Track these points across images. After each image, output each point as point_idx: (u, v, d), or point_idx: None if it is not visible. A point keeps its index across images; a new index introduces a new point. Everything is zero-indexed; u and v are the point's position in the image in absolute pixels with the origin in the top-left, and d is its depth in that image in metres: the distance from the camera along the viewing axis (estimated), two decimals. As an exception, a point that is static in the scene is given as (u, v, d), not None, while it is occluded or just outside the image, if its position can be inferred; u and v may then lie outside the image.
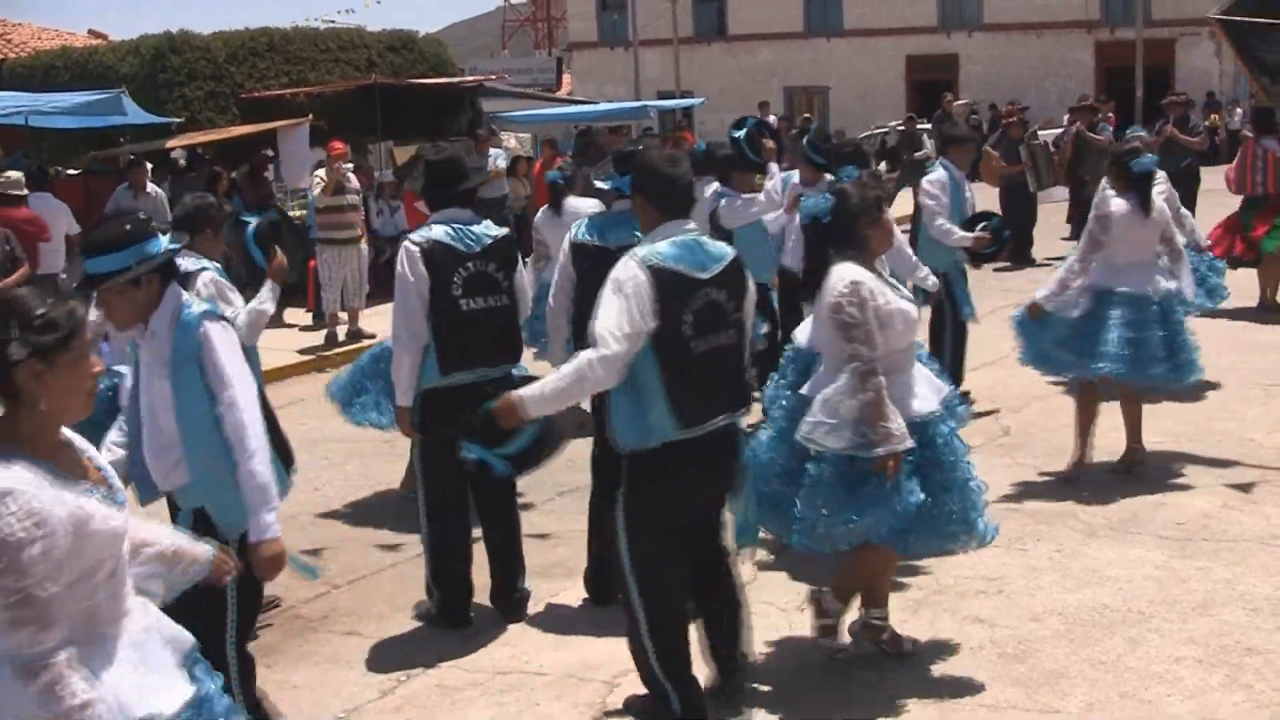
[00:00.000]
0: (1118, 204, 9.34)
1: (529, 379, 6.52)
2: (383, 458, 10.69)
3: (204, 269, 7.51)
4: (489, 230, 7.39)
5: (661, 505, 5.78)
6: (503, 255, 7.36)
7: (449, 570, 7.54)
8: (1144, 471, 9.40)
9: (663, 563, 5.83)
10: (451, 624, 7.50)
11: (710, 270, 5.68)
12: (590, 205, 10.96)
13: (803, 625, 6.87)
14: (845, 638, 6.73)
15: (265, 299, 7.98)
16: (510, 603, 7.64)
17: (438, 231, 7.26)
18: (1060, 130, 22.38)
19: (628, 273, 5.58)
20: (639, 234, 6.12)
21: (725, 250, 5.85)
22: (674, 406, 5.56)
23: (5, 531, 3.33)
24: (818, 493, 6.09)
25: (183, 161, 22.81)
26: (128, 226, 5.23)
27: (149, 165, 19.32)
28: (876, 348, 6.09)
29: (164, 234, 5.43)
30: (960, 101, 34.06)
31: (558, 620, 7.50)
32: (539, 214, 11.58)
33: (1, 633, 3.39)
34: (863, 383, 6.00)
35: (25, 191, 14.19)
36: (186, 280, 6.95)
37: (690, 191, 6.01)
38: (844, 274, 6.19)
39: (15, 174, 14.44)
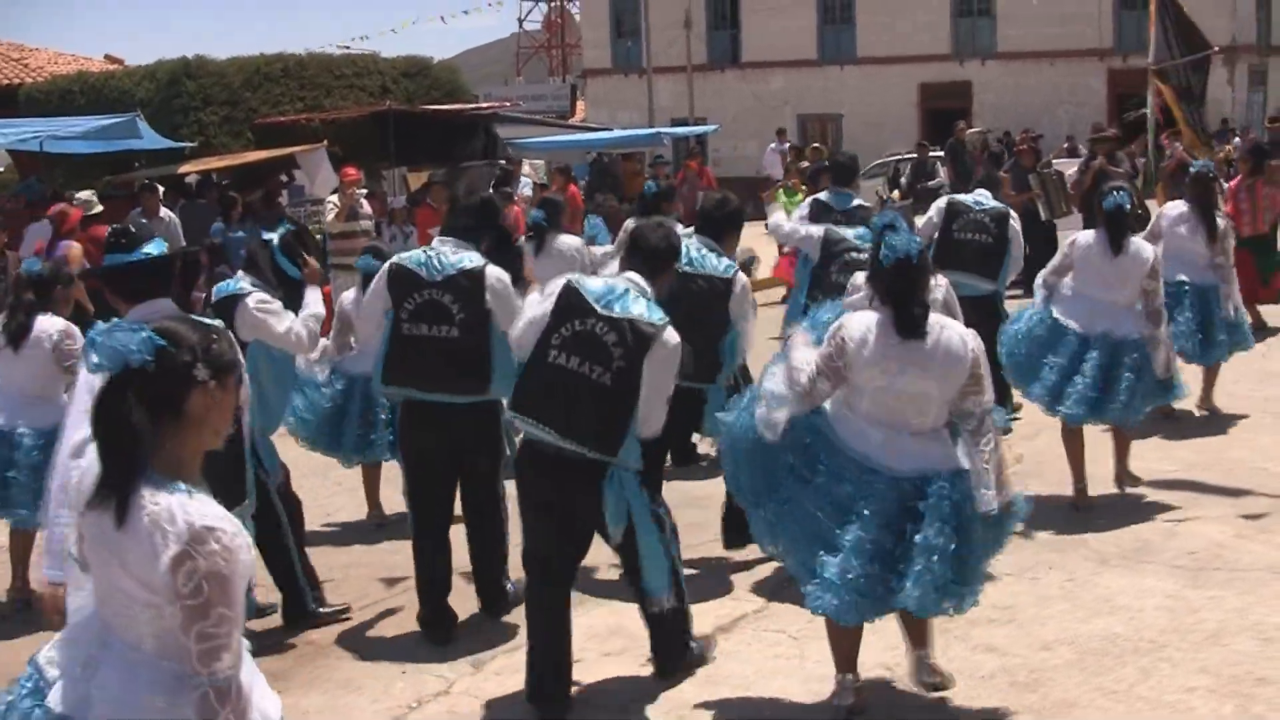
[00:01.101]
0: (1085, 235, 9.50)
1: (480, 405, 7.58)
2: (393, 483, 10.68)
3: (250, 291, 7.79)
4: (460, 262, 7.55)
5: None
6: (461, 289, 7.51)
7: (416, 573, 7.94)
8: (1155, 500, 9.38)
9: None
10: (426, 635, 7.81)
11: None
12: (574, 242, 10.99)
13: (815, 654, 6.86)
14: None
15: (313, 303, 8.09)
16: (491, 603, 8.04)
17: (416, 255, 7.72)
18: (1081, 160, 22.40)
19: None
20: None
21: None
22: None
23: (219, 568, 3.46)
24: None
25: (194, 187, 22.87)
26: None
27: (161, 189, 19.39)
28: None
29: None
30: (973, 129, 34.03)
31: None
32: (522, 243, 11.53)
33: (202, 662, 3.47)
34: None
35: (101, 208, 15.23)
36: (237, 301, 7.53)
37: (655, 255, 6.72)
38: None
39: (87, 194, 14.83)
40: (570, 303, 6.44)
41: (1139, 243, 9.38)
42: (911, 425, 6.10)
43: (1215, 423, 11.59)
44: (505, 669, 7.19)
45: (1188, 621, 7.28)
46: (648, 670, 6.97)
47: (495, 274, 7.58)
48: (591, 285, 6.55)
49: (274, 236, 8.49)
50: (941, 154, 28.32)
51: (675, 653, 6.87)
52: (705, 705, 6.59)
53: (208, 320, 4.00)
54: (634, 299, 6.44)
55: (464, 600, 8.02)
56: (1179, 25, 16.33)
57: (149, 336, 3.58)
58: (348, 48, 39.45)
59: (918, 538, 5.89)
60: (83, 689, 3.62)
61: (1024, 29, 45.49)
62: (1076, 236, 9.67)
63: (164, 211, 18.14)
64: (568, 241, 11.36)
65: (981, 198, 11.54)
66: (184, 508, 3.50)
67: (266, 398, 7.81)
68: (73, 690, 3.64)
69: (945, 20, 47.65)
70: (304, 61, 28.09)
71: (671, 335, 6.39)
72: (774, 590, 7.99)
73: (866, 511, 5.94)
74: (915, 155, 29.49)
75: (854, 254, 9.65)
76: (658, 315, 6.42)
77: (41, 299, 8.44)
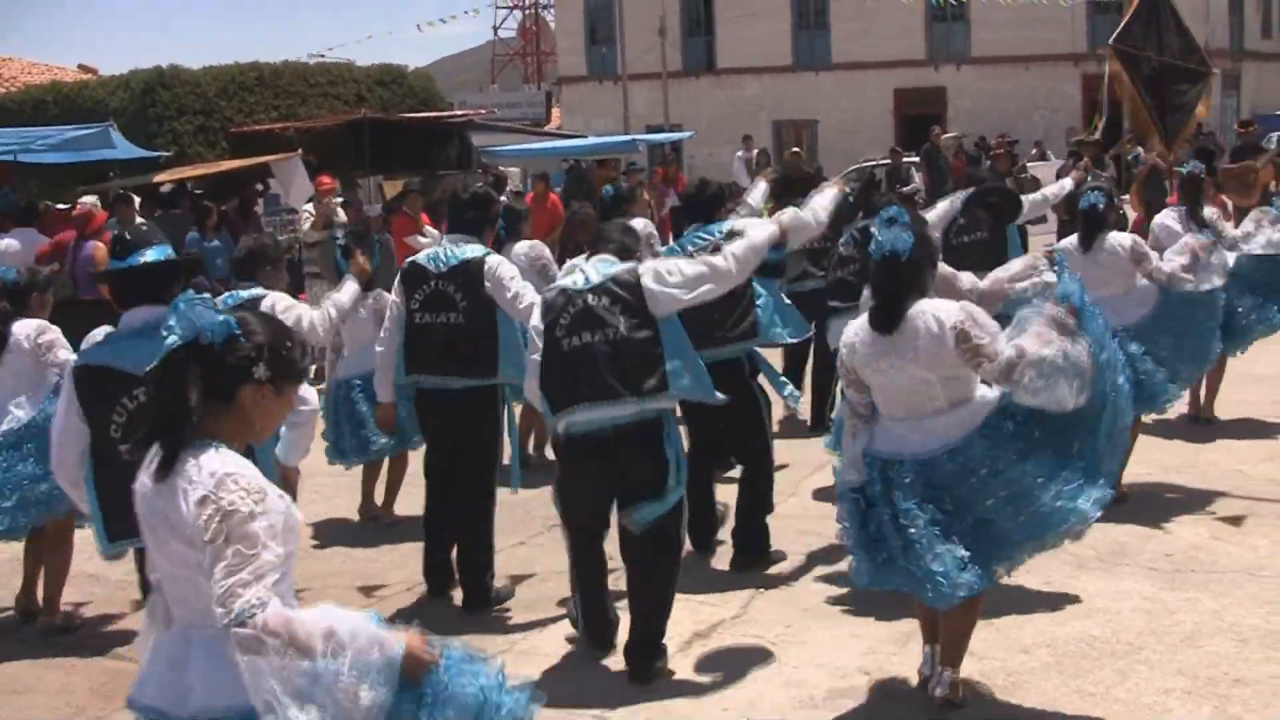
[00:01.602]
0: (1070, 240, 9.66)
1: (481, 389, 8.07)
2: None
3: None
4: (463, 253, 8.05)
5: None
6: (464, 277, 8.00)
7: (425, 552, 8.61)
8: (1132, 503, 9.41)
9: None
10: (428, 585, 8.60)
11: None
12: (524, 248, 11.12)
13: (793, 659, 6.87)
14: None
15: (344, 293, 8.32)
16: (474, 600, 8.27)
17: (428, 252, 8.29)
18: (1060, 165, 22.49)
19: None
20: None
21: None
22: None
23: (237, 505, 3.62)
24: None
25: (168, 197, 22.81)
26: None
27: (137, 200, 19.33)
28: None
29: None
30: (948, 134, 34.11)
31: (545, 657, 7.46)
32: None
33: (222, 602, 3.56)
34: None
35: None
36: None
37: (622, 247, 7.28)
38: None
39: (91, 199, 15.14)
40: (557, 301, 6.99)
41: (1113, 235, 9.47)
42: (928, 409, 6.15)
43: (1191, 426, 11.63)
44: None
45: (1165, 624, 7.31)
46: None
47: (494, 262, 8.03)
48: (568, 279, 7.17)
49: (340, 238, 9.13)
50: (916, 160, 28.36)
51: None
52: (684, 709, 6.60)
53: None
54: (606, 265, 7.08)
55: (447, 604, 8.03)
56: (1180, 33, 16.28)
57: (226, 320, 3.80)
58: (323, 56, 39.38)
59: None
60: (173, 686, 3.80)
61: (998, 34, 45.65)
62: (1061, 242, 9.88)
63: (140, 221, 18.06)
64: (526, 249, 11.39)
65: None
66: (210, 459, 3.70)
67: None
68: (170, 688, 3.81)
69: (920, 26, 47.79)
70: (279, 70, 28.07)
71: (648, 269, 6.96)
72: (751, 595, 8.00)
73: (908, 503, 6.04)
74: (889, 161, 29.51)
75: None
76: (632, 265, 7.04)
77: (17, 306, 8.37)
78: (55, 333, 8.16)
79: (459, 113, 32.20)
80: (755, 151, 32.70)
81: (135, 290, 6.40)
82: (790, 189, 12.74)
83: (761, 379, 8.84)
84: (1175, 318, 9.49)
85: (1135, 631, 7.21)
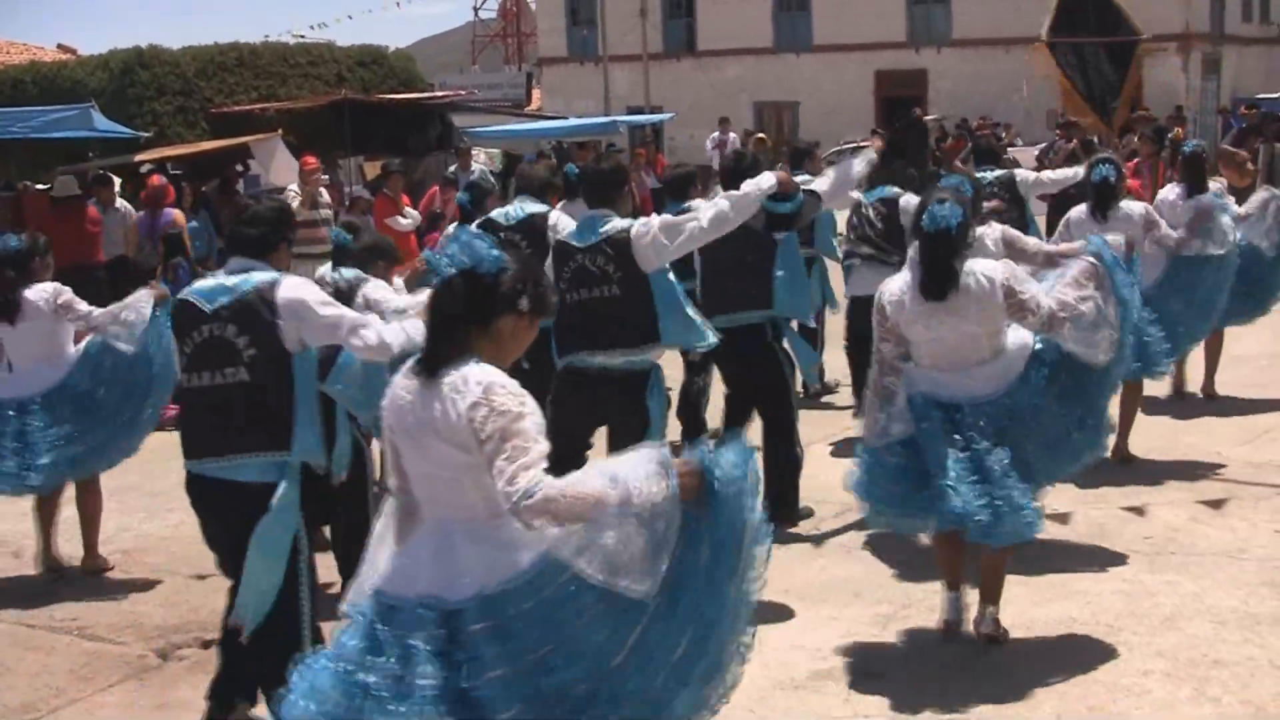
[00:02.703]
0: (1078, 210, 10.14)
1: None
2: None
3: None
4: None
5: None
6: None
7: None
8: (1112, 486, 9.43)
9: None
10: None
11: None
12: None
13: (773, 641, 6.87)
14: None
15: (411, 324, 8.33)
16: None
17: (570, 230, 8.16)
18: (1045, 145, 22.46)
19: None
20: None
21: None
22: None
23: (508, 406, 4.18)
24: None
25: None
26: None
27: (117, 180, 19.25)
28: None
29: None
30: (930, 116, 34.08)
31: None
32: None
33: (508, 482, 4.09)
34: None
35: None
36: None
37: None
38: None
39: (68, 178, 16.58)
40: (559, 251, 7.70)
41: (1126, 204, 9.90)
42: (972, 360, 6.67)
43: (1171, 408, 11.68)
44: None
45: (1144, 605, 7.32)
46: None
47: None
48: (570, 232, 7.88)
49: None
50: (898, 142, 28.30)
51: None
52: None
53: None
54: (601, 222, 7.56)
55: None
56: (1099, 7, 16.21)
57: (500, 255, 4.37)
58: (303, 37, 39.26)
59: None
60: (444, 574, 4.27)
61: (979, 16, 45.58)
62: (1069, 214, 10.16)
63: (120, 202, 17.98)
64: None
65: (984, 171, 11.93)
66: (474, 371, 4.25)
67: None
68: (439, 577, 4.27)
69: (900, 8, 47.74)
70: (258, 50, 27.96)
71: (641, 227, 7.41)
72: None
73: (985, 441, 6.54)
74: (869, 143, 29.48)
75: None
76: (624, 223, 7.48)
77: (21, 273, 8.71)
78: (69, 291, 8.65)
79: (439, 94, 32.10)
80: (732, 135, 32.76)
81: (240, 244, 6.30)
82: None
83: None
84: (1184, 280, 9.98)
85: (1114, 613, 7.22)
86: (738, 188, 8.63)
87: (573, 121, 33.47)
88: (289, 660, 4.72)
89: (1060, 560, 8.06)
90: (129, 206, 17.87)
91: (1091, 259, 6.85)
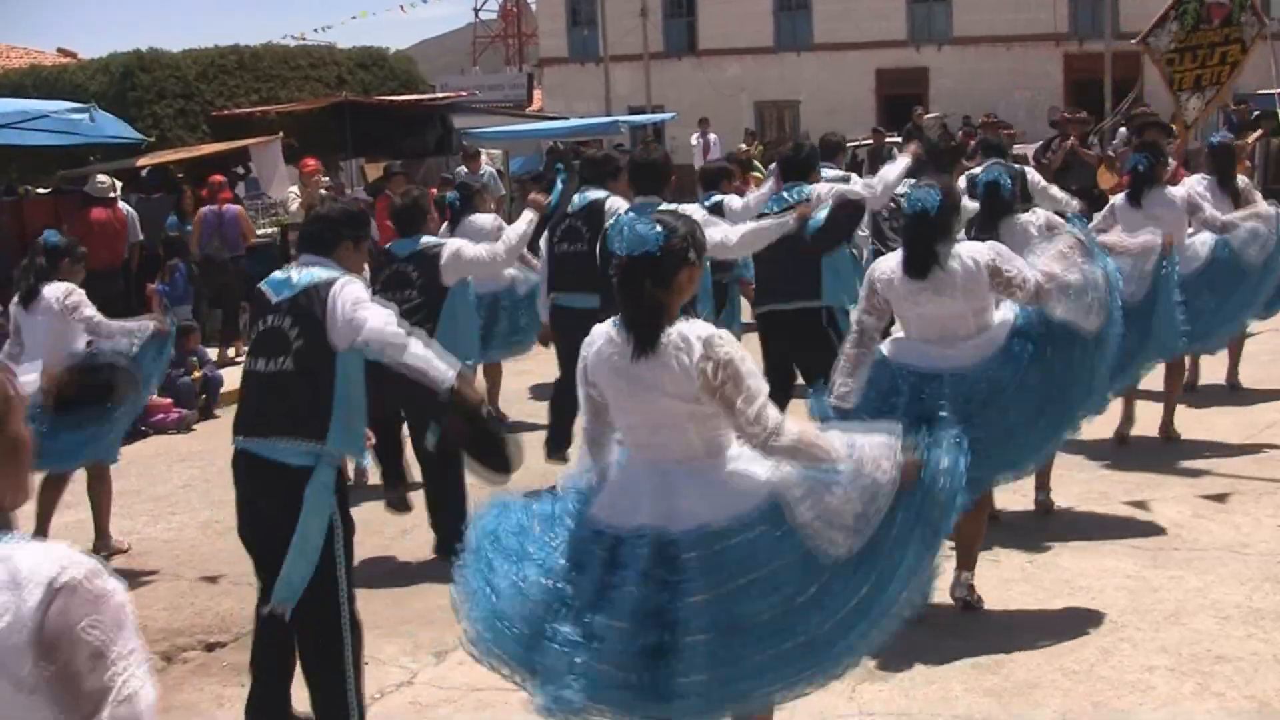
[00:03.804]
0: (1119, 198, 10.52)
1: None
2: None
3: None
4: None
5: None
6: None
7: None
8: (1114, 482, 9.43)
9: None
10: None
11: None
12: (488, 220, 11.78)
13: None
14: None
15: (520, 221, 9.29)
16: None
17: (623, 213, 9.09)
18: (1042, 143, 22.40)
19: None
20: None
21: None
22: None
23: (730, 354, 4.68)
24: None
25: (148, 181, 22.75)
26: None
27: (119, 184, 19.26)
28: None
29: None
30: (931, 115, 34.08)
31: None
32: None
33: (753, 408, 4.67)
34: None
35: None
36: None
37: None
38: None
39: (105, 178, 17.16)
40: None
41: (1168, 190, 10.20)
42: (960, 334, 7.04)
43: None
44: (468, 659, 7.17)
45: (1147, 601, 7.33)
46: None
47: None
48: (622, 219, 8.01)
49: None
50: (899, 140, 28.30)
51: None
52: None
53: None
54: (647, 209, 7.69)
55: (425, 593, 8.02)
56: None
57: (660, 232, 4.80)
58: (303, 39, 39.22)
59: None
60: (664, 507, 4.77)
61: (979, 15, 45.53)
62: (1112, 200, 10.59)
63: (122, 205, 18.00)
64: (482, 221, 12.37)
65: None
66: (686, 328, 4.76)
67: (460, 331, 8.76)
68: (659, 511, 4.77)
69: (901, 6, 47.65)
70: (259, 53, 27.89)
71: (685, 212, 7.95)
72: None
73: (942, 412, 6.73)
74: (871, 142, 29.47)
75: None
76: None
77: (51, 266, 9.24)
78: (80, 294, 9.15)
79: (441, 95, 32.09)
80: (713, 136, 32.80)
81: (309, 241, 6.45)
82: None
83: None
84: (1223, 279, 10.11)
85: (1118, 609, 7.23)
86: (796, 179, 9.52)
87: (574, 122, 33.44)
88: (328, 644, 5.67)
89: (1063, 556, 8.07)
90: (131, 210, 17.91)
91: (1078, 235, 7.32)
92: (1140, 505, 9.00)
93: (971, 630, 6.98)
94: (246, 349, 6.56)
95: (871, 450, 4.79)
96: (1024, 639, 6.91)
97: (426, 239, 9.00)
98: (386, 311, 6.10)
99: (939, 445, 4.93)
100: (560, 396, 10.29)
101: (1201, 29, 14.74)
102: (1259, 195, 11.32)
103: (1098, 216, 10.53)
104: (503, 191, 24.83)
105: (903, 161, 9.91)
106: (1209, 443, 10.48)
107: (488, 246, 9.14)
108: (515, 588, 4.91)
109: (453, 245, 8.99)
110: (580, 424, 5.37)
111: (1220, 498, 9.08)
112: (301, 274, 6.18)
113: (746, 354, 4.74)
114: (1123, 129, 22.44)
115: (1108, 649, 6.74)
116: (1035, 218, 8.69)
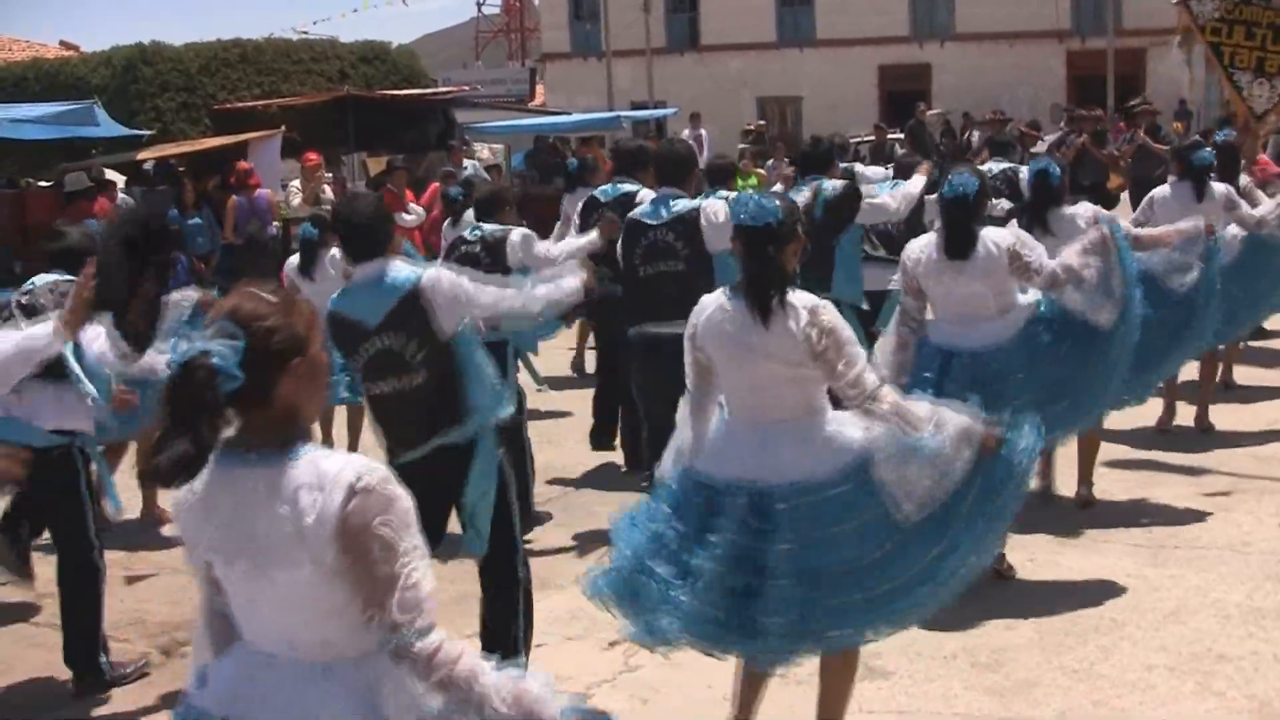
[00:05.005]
0: (1163, 189, 10.54)
1: None
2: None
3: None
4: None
5: None
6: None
7: None
8: (1115, 480, 9.42)
9: None
10: None
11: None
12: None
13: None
14: None
15: (579, 239, 9.37)
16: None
17: (643, 208, 8.84)
18: (1055, 137, 22.29)
19: None
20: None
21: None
22: None
23: (834, 321, 5.14)
24: None
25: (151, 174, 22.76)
26: None
27: (121, 179, 19.30)
28: None
29: None
30: (933, 111, 34.06)
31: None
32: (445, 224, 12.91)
33: (842, 362, 5.14)
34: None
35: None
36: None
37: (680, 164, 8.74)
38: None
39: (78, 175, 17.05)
40: (632, 228, 8.47)
41: (1214, 185, 10.30)
42: (981, 315, 7.46)
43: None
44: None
45: (1148, 600, 7.32)
46: (611, 653, 6.97)
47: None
48: (642, 210, 8.64)
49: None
50: (900, 136, 28.28)
51: None
52: (668, 686, 6.59)
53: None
54: (670, 201, 8.39)
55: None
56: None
57: (779, 205, 5.28)
58: (306, 32, 39.22)
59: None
60: (761, 461, 5.18)
61: (982, 10, 45.55)
62: (1153, 192, 10.57)
63: (122, 198, 18.03)
64: None
65: (993, 163, 12.35)
66: (794, 298, 5.16)
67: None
68: (755, 464, 5.18)
69: (904, 2, 47.70)
70: (261, 47, 27.93)
71: (710, 205, 8.21)
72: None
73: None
74: (873, 138, 29.43)
75: None
76: (693, 203, 8.34)
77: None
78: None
79: (443, 89, 32.07)
80: (703, 132, 32.77)
81: (358, 242, 6.36)
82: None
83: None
84: (1251, 268, 10.21)
85: (1119, 608, 7.23)
86: (815, 174, 9.73)
87: (576, 117, 33.41)
88: (508, 586, 6.37)
89: (1065, 555, 8.07)
90: (131, 202, 17.93)
91: (1105, 230, 7.64)
92: (1141, 504, 8.99)
93: (971, 628, 6.97)
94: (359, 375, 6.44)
95: (954, 430, 5.16)
96: (1024, 637, 6.91)
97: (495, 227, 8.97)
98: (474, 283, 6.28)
99: (1019, 427, 5.31)
100: (602, 397, 10.74)
101: (1254, 4, 14.14)
102: (1262, 195, 11.30)
103: (1134, 211, 10.79)
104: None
105: (919, 179, 10.18)
106: (1210, 441, 10.47)
107: (550, 244, 9.35)
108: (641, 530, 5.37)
109: (520, 233, 8.91)
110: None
111: (1221, 496, 9.07)
112: (381, 288, 6.11)
113: (845, 322, 5.15)
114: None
115: (1108, 648, 6.73)
116: (1083, 209, 8.74)
